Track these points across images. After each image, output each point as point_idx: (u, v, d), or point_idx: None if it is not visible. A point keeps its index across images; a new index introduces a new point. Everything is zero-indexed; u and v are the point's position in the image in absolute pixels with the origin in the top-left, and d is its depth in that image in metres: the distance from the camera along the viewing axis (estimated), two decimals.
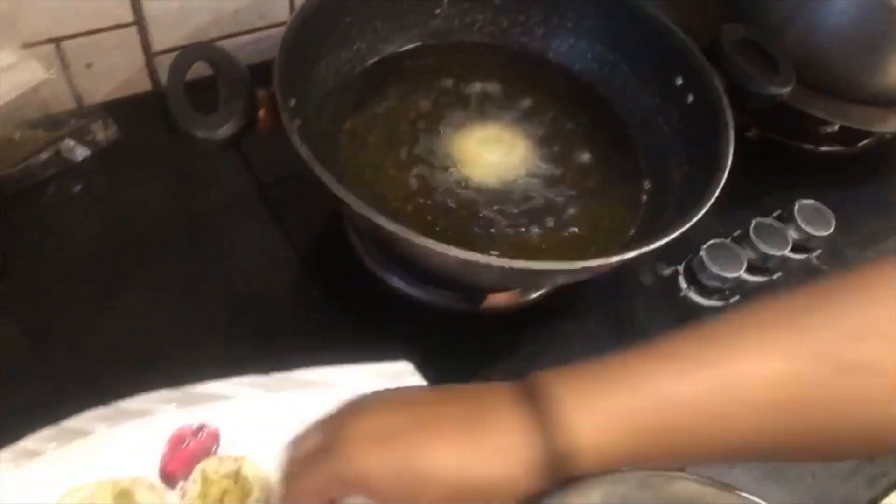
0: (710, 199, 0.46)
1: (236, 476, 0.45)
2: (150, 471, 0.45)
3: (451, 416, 0.33)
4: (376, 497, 0.33)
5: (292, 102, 0.47)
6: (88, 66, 0.60)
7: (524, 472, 0.32)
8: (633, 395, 0.32)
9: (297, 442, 0.38)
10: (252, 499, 0.44)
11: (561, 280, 0.51)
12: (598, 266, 0.43)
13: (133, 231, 0.58)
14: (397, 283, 0.57)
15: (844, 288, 0.33)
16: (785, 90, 0.53)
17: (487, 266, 0.42)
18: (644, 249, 0.43)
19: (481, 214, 0.52)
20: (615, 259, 0.43)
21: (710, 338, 0.33)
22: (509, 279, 0.47)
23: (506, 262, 0.41)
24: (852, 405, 0.32)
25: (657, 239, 0.44)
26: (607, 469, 0.33)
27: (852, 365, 0.31)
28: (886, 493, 0.55)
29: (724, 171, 0.48)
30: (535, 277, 0.47)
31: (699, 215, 0.46)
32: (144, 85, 0.65)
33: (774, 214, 0.65)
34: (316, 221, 0.62)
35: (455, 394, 0.35)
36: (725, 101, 0.52)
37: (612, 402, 0.32)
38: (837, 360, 0.31)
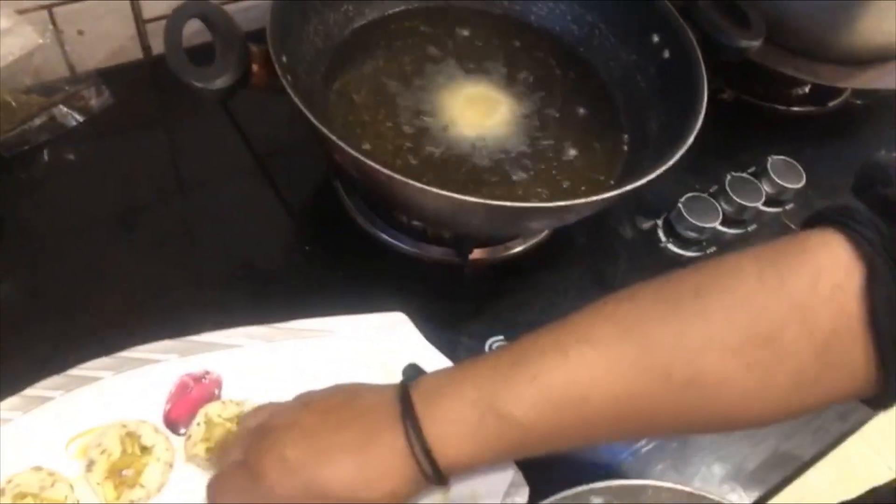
0: (686, 142, 0.48)
1: (239, 419, 0.47)
2: (154, 417, 0.47)
3: (344, 444, 0.38)
4: None
5: (284, 59, 0.48)
6: (80, 33, 0.61)
7: (405, 486, 0.38)
8: (478, 413, 0.36)
9: (222, 458, 0.43)
10: None
11: (544, 223, 0.54)
12: (579, 206, 0.45)
13: (127, 194, 0.60)
14: (388, 238, 0.59)
15: (696, 290, 0.35)
16: (755, 43, 0.56)
17: (474, 207, 0.44)
18: (624, 189, 0.46)
19: (467, 167, 0.54)
20: (595, 198, 0.45)
21: (556, 345, 0.36)
22: (494, 223, 0.49)
23: (490, 202, 0.43)
24: (697, 413, 0.36)
25: (636, 180, 0.47)
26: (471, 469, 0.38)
27: (696, 378, 0.34)
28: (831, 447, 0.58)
29: (698, 117, 0.50)
30: (518, 219, 0.49)
31: (677, 156, 0.48)
32: (136, 53, 0.66)
33: (749, 170, 0.68)
34: (307, 182, 0.63)
35: (349, 418, 0.39)
36: (699, 54, 0.54)
37: (464, 419, 0.36)
38: (683, 374, 0.34)
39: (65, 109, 0.61)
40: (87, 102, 0.62)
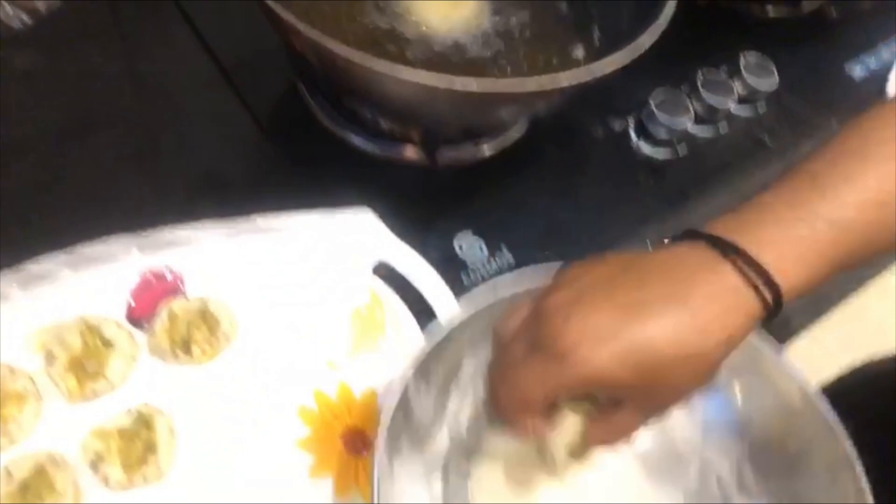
0: (660, 27, 0.47)
1: (203, 312, 0.46)
2: (117, 314, 0.46)
3: (660, 298, 0.33)
4: (611, 392, 0.35)
5: None
6: None
7: (744, 328, 0.33)
8: (807, 225, 0.33)
9: (501, 337, 0.37)
10: (220, 332, 0.46)
11: (513, 109, 0.52)
12: (546, 87, 0.44)
13: (83, 102, 0.57)
14: (355, 139, 0.57)
15: None
16: None
17: (436, 89, 0.42)
18: (592, 68, 0.44)
19: (434, 59, 0.53)
20: (561, 74, 0.43)
21: (849, 153, 0.35)
22: (460, 109, 0.48)
23: (459, 83, 0.42)
24: None
25: (604, 66, 0.45)
26: (808, 290, 0.34)
27: None
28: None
29: (665, 19, 0.48)
30: (486, 104, 0.47)
31: (651, 42, 0.47)
32: None
33: (722, 68, 0.67)
34: (272, 88, 0.61)
35: (648, 272, 0.34)
36: None
37: (794, 237, 0.33)
38: None
39: (9, 8, 0.58)
40: (33, 3, 0.59)
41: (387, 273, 0.51)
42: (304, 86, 0.59)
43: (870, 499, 0.39)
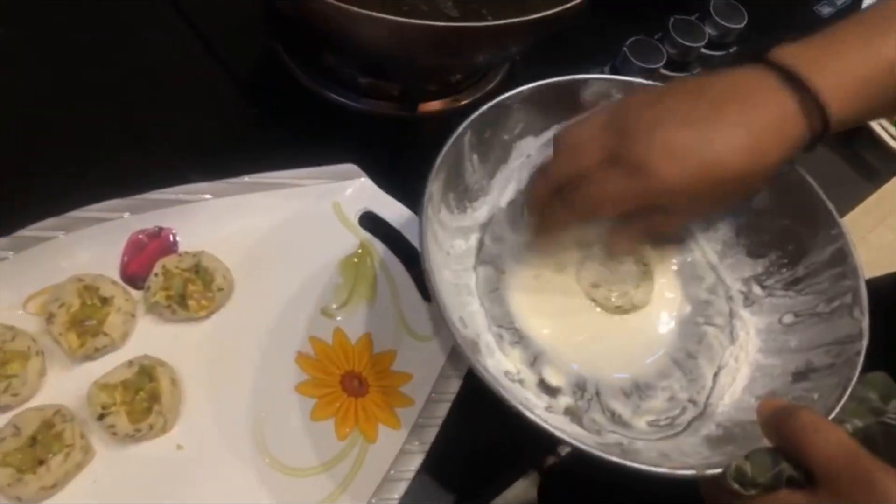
0: None
1: (196, 268, 0.47)
2: (111, 273, 0.47)
3: (730, 121, 0.36)
4: (674, 203, 0.38)
5: None
6: None
7: (792, 151, 0.37)
8: (864, 62, 0.37)
9: (569, 145, 0.40)
10: (215, 286, 0.47)
11: (486, 52, 0.53)
12: (512, 26, 0.44)
13: (61, 68, 0.58)
14: (336, 97, 0.58)
15: None
16: None
17: (408, 30, 0.43)
18: (550, 11, 0.45)
19: (408, 9, 0.53)
20: (527, 18, 0.44)
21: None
22: (432, 50, 0.48)
23: (436, 23, 0.43)
24: None
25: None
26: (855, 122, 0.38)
27: None
28: None
29: None
30: (458, 45, 0.48)
31: None
32: None
33: (694, 16, 0.68)
34: (249, 50, 0.62)
35: (721, 96, 0.37)
36: None
37: (850, 67, 0.36)
38: None
39: None
40: None
41: (373, 223, 0.52)
42: (282, 48, 0.59)
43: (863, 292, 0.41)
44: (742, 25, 0.67)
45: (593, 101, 0.47)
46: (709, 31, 0.66)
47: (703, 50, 0.66)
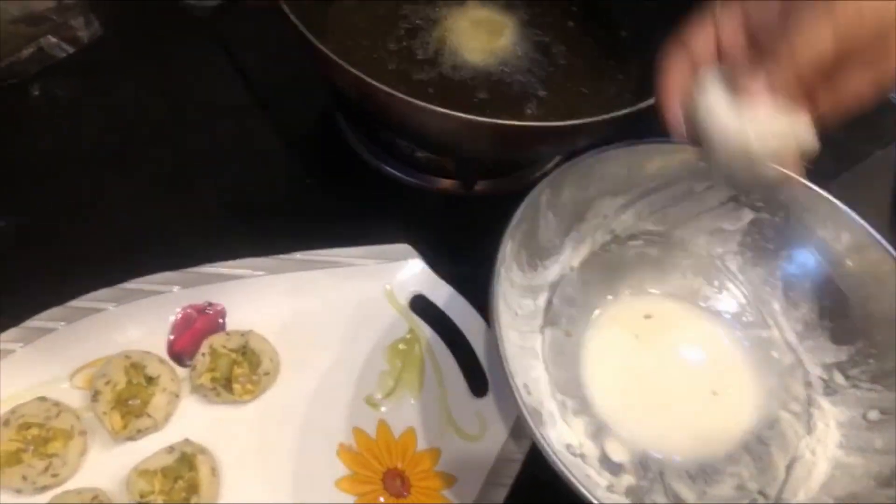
0: None
1: (244, 349, 0.46)
2: (159, 349, 0.46)
3: None
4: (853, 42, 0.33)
5: None
6: None
7: None
8: None
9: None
10: (261, 370, 0.46)
11: (551, 146, 0.52)
12: (586, 126, 0.44)
13: (121, 129, 0.58)
14: (391, 170, 0.57)
15: None
16: None
17: (478, 127, 0.42)
18: (632, 108, 0.44)
19: (472, 92, 0.52)
20: (600, 118, 0.43)
21: None
22: (500, 145, 0.47)
23: (496, 121, 0.42)
24: None
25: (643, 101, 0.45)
26: None
27: None
28: None
29: None
30: (524, 141, 0.47)
31: None
32: None
33: None
34: (306, 115, 0.62)
35: None
36: None
37: None
38: None
39: (53, 40, 0.58)
40: (75, 33, 0.59)
41: (424, 307, 0.51)
42: (340, 115, 0.59)
43: None
44: None
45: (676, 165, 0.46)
46: None
47: None
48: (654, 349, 0.47)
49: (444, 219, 0.57)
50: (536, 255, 0.45)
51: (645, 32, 0.56)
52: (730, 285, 0.49)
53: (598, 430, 0.43)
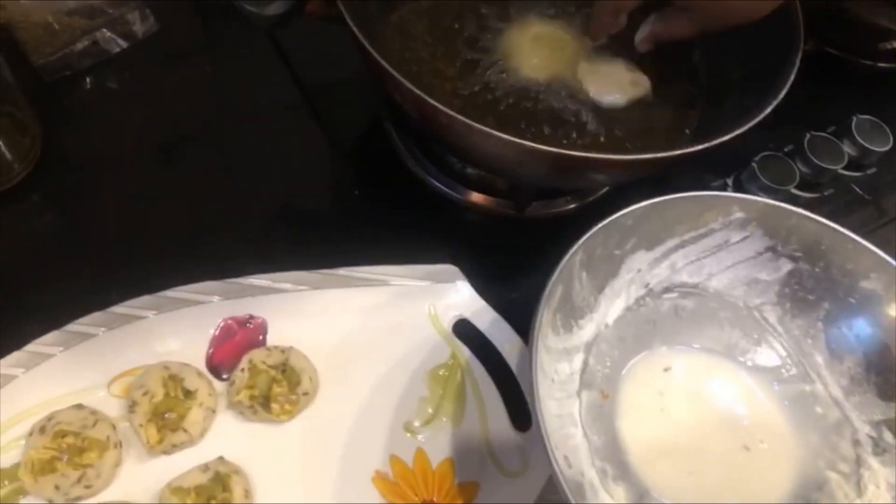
0: (777, 96, 0.44)
1: (284, 366, 0.45)
2: (197, 360, 0.46)
3: None
4: None
5: None
6: None
7: None
8: None
9: None
10: (300, 389, 0.45)
11: (611, 176, 0.50)
12: (654, 160, 0.42)
13: (170, 127, 0.57)
14: (440, 185, 0.56)
15: None
16: None
17: (539, 155, 0.40)
18: (694, 148, 0.42)
19: (531, 112, 0.50)
20: (670, 154, 0.41)
21: None
22: (558, 173, 0.45)
23: (557, 150, 0.40)
24: None
25: (710, 140, 0.42)
26: None
27: None
28: None
29: (792, 69, 0.45)
30: (585, 171, 0.45)
31: (764, 113, 0.44)
32: None
33: (829, 129, 0.63)
34: (357, 123, 0.60)
35: None
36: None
37: None
38: None
39: (108, 34, 0.58)
40: (130, 27, 0.59)
41: (467, 332, 0.49)
42: (391, 126, 0.57)
43: None
44: (886, 148, 0.61)
45: (712, 218, 0.44)
46: (847, 150, 0.61)
47: (840, 169, 0.61)
48: (691, 407, 0.45)
49: (493, 239, 0.55)
50: (571, 316, 0.44)
51: (718, 57, 0.54)
52: (769, 338, 0.47)
53: (640, 496, 0.41)
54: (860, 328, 0.44)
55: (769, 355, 0.47)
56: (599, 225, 0.41)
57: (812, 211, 0.60)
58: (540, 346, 0.38)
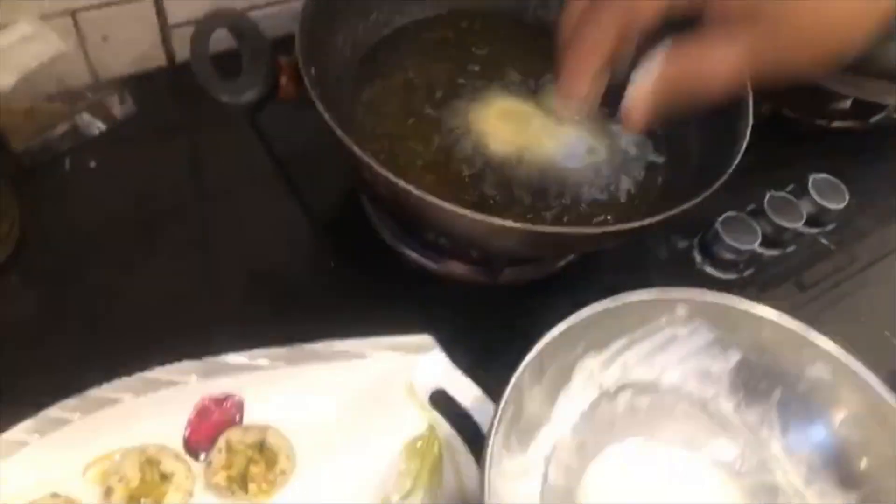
0: (731, 163, 0.47)
1: (261, 445, 0.45)
2: (174, 441, 0.46)
3: None
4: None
5: (312, 71, 0.46)
6: (104, 38, 0.60)
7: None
8: None
9: None
10: (277, 468, 0.45)
11: (577, 248, 0.52)
12: (614, 232, 0.44)
13: (149, 205, 0.58)
14: (415, 255, 0.57)
15: None
16: None
17: (506, 230, 0.42)
18: (660, 217, 0.44)
19: (499, 185, 0.52)
20: (631, 225, 0.43)
21: None
22: (530, 245, 0.47)
23: (525, 227, 0.41)
24: None
25: (674, 206, 0.44)
26: None
27: None
28: None
29: (744, 137, 0.48)
30: (552, 244, 0.47)
31: (720, 181, 0.46)
32: (160, 60, 0.65)
33: (788, 189, 0.65)
34: (332, 196, 0.62)
35: None
36: None
37: None
38: None
39: (87, 117, 0.59)
40: (109, 110, 0.60)
41: (444, 402, 0.50)
42: (366, 199, 0.59)
43: None
44: (842, 206, 0.64)
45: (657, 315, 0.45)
46: (805, 209, 0.64)
47: (800, 228, 0.63)
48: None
49: (468, 307, 0.56)
50: (526, 433, 0.43)
51: (674, 134, 0.56)
52: (726, 429, 0.47)
53: None
54: (812, 415, 0.45)
55: (728, 447, 0.47)
56: (542, 343, 0.41)
57: (774, 268, 0.63)
58: (493, 474, 0.37)
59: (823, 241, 0.65)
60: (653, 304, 0.44)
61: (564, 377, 0.45)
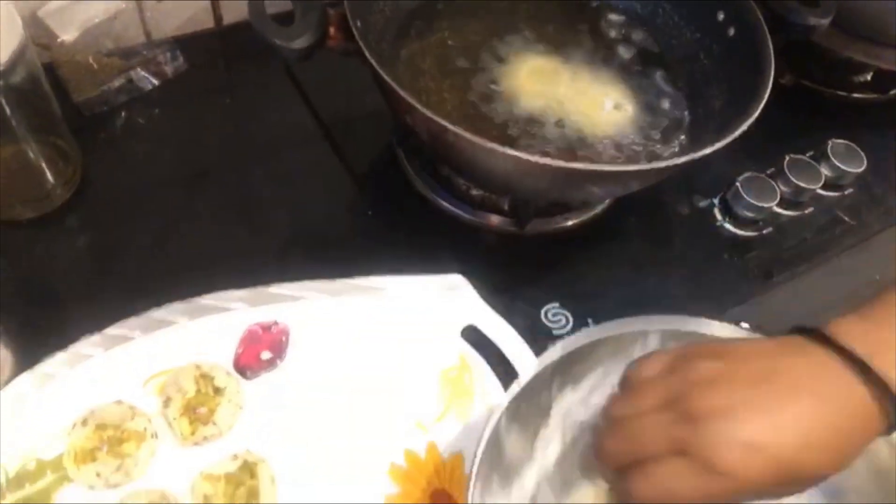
0: (751, 116, 0.49)
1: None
2: (225, 361, 0.49)
3: (805, 416, 0.33)
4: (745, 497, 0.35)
5: (358, 24, 0.50)
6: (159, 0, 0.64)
7: (868, 442, 0.34)
8: None
9: (633, 382, 0.38)
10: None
11: (607, 189, 0.54)
12: (636, 171, 0.46)
13: (198, 155, 0.62)
14: (448, 206, 0.60)
15: None
16: (824, 21, 0.56)
17: (539, 169, 0.45)
18: (685, 158, 0.46)
19: (529, 138, 0.55)
20: (660, 164, 0.46)
21: None
22: (558, 186, 0.50)
23: (556, 163, 0.44)
24: None
25: (698, 150, 0.47)
26: None
27: None
28: None
29: (764, 94, 0.50)
30: (582, 183, 0.50)
31: (741, 129, 0.48)
32: (209, 22, 0.68)
33: (808, 154, 0.68)
34: (370, 150, 0.65)
35: (789, 385, 0.34)
36: (766, 32, 0.54)
37: None
38: None
39: (142, 73, 0.63)
40: (162, 67, 0.64)
41: (475, 337, 0.53)
42: (402, 152, 0.62)
43: None
44: (860, 170, 0.66)
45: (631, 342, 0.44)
46: (825, 171, 0.66)
47: (818, 191, 0.65)
48: None
49: (497, 253, 0.59)
50: (509, 472, 0.43)
51: (700, 88, 0.59)
52: None
53: None
54: None
55: None
56: (518, 387, 0.41)
57: (792, 229, 0.65)
58: None
59: (838, 211, 0.67)
60: (624, 336, 0.44)
61: (543, 414, 0.44)
